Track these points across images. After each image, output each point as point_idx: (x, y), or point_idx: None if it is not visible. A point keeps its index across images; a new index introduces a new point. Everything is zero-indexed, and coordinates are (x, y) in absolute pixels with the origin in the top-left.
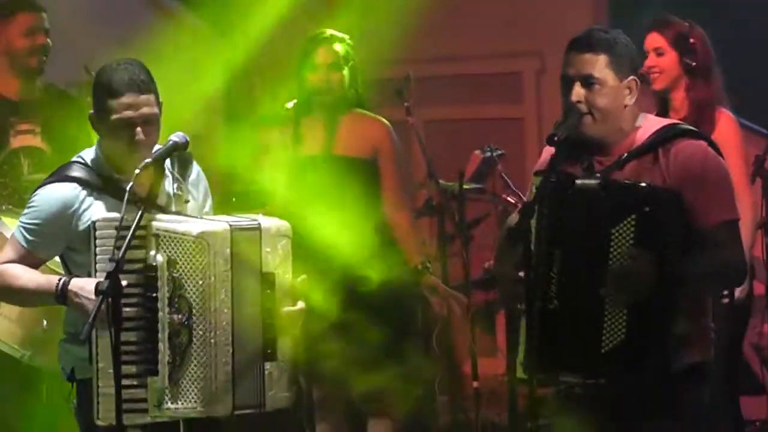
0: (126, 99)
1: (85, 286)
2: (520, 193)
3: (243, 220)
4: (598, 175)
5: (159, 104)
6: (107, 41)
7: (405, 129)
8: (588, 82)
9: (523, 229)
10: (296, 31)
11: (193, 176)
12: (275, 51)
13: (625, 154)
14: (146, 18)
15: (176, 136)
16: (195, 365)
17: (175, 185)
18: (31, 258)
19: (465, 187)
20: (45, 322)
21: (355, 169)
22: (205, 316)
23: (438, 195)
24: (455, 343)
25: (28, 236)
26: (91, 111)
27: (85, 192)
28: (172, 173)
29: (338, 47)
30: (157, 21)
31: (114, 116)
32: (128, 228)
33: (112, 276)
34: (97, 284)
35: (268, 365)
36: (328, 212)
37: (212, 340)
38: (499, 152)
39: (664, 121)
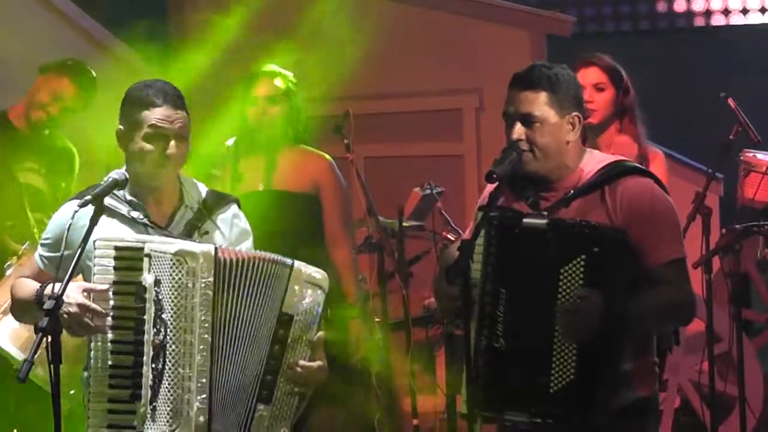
0: (163, 111)
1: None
2: (459, 231)
3: (276, 257)
4: (545, 213)
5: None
6: None
7: (344, 165)
8: (528, 120)
9: (463, 265)
10: (234, 68)
11: (226, 214)
12: (213, 88)
13: (571, 192)
14: (85, 54)
15: (116, 174)
16: (167, 387)
17: (195, 217)
18: (43, 275)
19: (404, 224)
20: None
21: (295, 204)
22: (179, 338)
23: (377, 232)
24: (394, 381)
25: (40, 251)
26: (120, 126)
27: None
28: (197, 205)
29: (278, 82)
30: (95, 57)
31: (148, 128)
32: (128, 249)
33: (51, 314)
34: (36, 322)
35: (261, 406)
36: (267, 247)
37: (187, 364)
38: (439, 189)
39: (610, 158)
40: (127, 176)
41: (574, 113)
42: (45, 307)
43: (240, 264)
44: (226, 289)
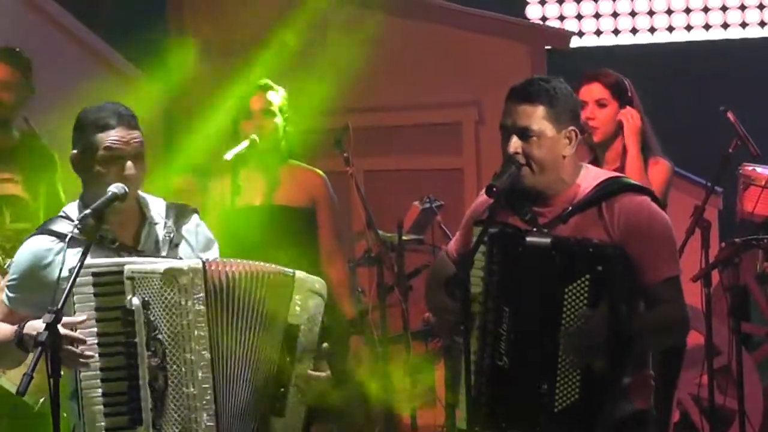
0: (117, 132)
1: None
2: None
3: (277, 267)
4: (545, 230)
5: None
6: (43, 89)
7: (344, 179)
8: (525, 134)
9: (463, 278)
10: (233, 79)
11: (189, 225)
12: (209, 97)
13: (569, 208)
14: (83, 66)
15: (115, 187)
16: (173, 409)
17: (165, 231)
18: (13, 317)
19: (404, 237)
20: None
21: (296, 218)
22: (179, 357)
23: (377, 245)
24: (394, 394)
25: (8, 293)
26: (74, 151)
27: (61, 244)
28: (163, 220)
29: (272, 96)
30: (93, 69)
31: (103, 150)
32: (108, 274)
33: (51, 328)
34: (36, 335)
35: (274, 419)
36: (270, 261)
37: (190, 382)
38: (438, 203)
39: (606, 174)
40: (127, 190)
41: (571, 127)
42: (44, 321)
43: (232, 276)
44: (220, 303)
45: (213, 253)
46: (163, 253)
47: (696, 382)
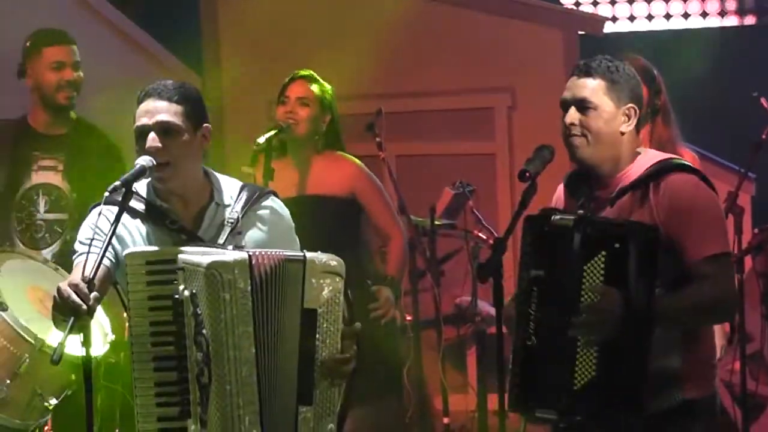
0: (143, 106)
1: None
2: (491, 229)
3: (289, 253)
4: (589, 214)
5: (193, 121)
6: (88, 81)
7: (376, 164)
8: (583, 105)
9: (493, 265)
10: (270, 69)
11: (263, 211)
12: (249, 90)
13: (617, 191)
14: (128, 59)
15: (143, 160)
16: (216, 405)
17: (229, 215)
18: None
19: (436, 222)
20: (8, 382)
21: (328, 208)
22: (221, 354)
23: (409, 230)
24: (426, 379)
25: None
26: None
27: (127, 216)
28: (230, 201)
29: (313, 86)
30: (139, 62)
31: (134, 126)
32: (161, 262)
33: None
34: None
35: (303, 408)
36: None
37: (232, 378)
38: (471, 188)
39: (660, 155)
40: (155, 162)
41: (630, 105)
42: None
43: (272, 269)
44: (261, 296)
45: (289, 240)
46: (223, 240)
47: (728, 368)
